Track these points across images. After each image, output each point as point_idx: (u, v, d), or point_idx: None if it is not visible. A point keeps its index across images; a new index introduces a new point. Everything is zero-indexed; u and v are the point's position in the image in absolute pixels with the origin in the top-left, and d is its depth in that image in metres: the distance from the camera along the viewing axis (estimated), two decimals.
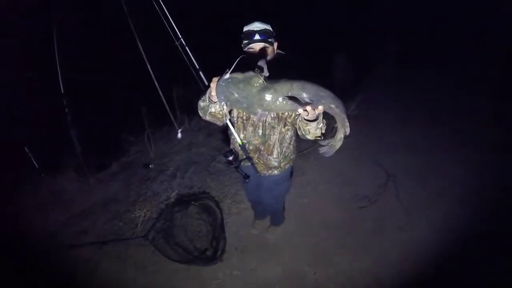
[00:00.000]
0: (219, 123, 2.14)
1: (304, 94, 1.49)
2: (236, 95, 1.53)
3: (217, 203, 3.59)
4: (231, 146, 2.50)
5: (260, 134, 2.28)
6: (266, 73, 1.54)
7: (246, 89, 1.52)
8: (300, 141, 4.43)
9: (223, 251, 3.12)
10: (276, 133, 2.27)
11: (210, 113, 1.99)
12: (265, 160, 2.41)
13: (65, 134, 4.18)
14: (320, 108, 1.54)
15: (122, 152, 4.60)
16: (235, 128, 2.35)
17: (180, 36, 2.42)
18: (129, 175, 4.19)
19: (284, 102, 1.50)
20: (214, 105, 1.92)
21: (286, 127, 2.26)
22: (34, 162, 4.02)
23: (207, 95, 1.86)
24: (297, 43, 3.91)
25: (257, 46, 2.05)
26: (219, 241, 3.20)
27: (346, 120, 1.64)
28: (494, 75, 6.32)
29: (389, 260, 3.09)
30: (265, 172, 2.48)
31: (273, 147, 2.34)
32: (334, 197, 3.76)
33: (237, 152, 2.42)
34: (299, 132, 2.09)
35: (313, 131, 1.89)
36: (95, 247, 3.19)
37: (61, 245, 3.23)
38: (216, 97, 1.64)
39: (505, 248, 3.08)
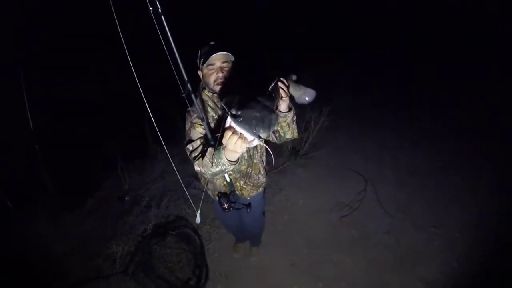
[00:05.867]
0: None
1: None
2: (258, 113, 1.36)
3: (195, 230, 3.49)
4: (213, 191, 2.33)
5: (246, 157, 2.18)
6: None
7: (255, 102, 1.41)
8: (275, 157, 4.44)
9: (206, 278, 3.04)
10: (258, 150, 2.22)
11: (226, 172, 1.74)
12: (254, 181, 2.31)
13: (35, 174, 4.06)
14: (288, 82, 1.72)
15: (97, 187, 4.48)
16: None
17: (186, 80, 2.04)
18: (104, 210, 4.07)
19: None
20: (235, 164, 1.65)
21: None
22: (9, 203, 3.88)
23: (223, 158, 1.60)
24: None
25: (217, 61, 1.93)
26: (201, 269, 3.11)
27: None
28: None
29: (379, 268, 3.06)
30: (253, 193, 2.37)
31: (259, 164, 2.28)
32: (315, 210, 3.72)
33: (226, 193, 2.24)
34: (278, 140, 2.06)
35: (291, 124, 1.94)
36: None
37: None
38: (243, 145, 1.38)
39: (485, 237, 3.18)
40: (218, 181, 2.22)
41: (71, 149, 4.54)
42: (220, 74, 1.93)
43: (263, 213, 2.93)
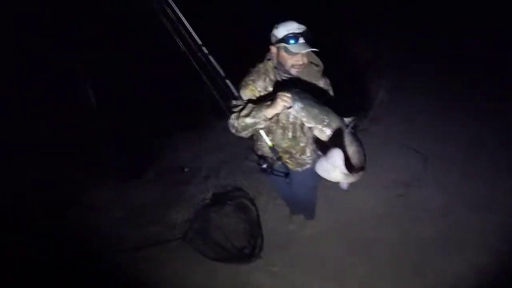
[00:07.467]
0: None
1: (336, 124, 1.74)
2: (311, 100, 1.72)
3: (252, 201, 3.58)
4: (259, 153, 2.40)
5: (290, 136, 2.20)
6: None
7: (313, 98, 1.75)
8: None
9: (261, 248, 3.12)
10: (307, 134, 2.21)
11: (256, 129, 1.94)
12: (298, 160, 2.36)
13: (97, 143, 4.32)
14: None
15: (155, 159, 4.67)
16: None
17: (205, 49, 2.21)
18: (164, 179, 4.26)
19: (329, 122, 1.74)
20: (268, 121, 1.88)
21: None
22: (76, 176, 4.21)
23: (263, 111, 1.80)
24: None
25: (300, 56, 1.87)
26: (256, 238, 3.20)
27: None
28: None
29: (434, 250, 2.99)
30: (297, 168, 2.41)
31: (306, 147, 2.29)
32: (370, 186, 3.61)
33: (268, 157, 2.29)
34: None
35: None
36: (134, 252, 3.22)
37: (99, 253, 3.26)
38: (283, 106, 1.71)
39: None
40: (265, 149, 2.28)
41: (129, 123, 4.71)
42: (301, 62, 1.91)
43: (316, 188, 2.94)
